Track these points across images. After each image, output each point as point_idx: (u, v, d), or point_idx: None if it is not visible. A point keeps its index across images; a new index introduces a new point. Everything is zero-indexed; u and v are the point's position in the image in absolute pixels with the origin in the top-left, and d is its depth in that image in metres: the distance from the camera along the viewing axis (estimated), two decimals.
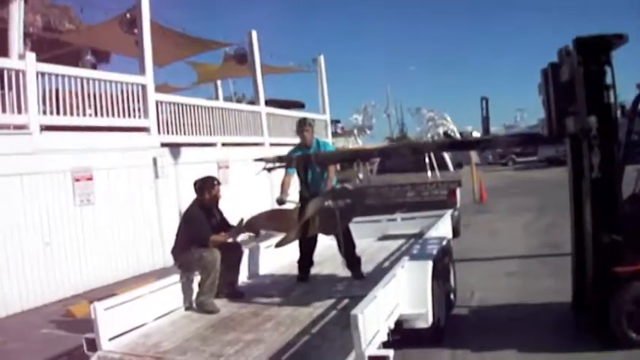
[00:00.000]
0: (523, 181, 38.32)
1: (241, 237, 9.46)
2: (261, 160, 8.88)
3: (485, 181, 30.58)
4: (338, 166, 11.41)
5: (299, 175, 9.34)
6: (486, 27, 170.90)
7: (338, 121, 43.02)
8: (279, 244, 9.25)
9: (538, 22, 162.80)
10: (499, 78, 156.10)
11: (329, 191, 9.17)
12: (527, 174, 44.41)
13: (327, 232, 9.60)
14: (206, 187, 8.73)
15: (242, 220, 8.93)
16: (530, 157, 58.77)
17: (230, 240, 8.92)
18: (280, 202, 9.50)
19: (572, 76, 7.32)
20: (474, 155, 43.01)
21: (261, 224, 9.85)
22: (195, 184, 8.82)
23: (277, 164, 8.95)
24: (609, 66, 7.31)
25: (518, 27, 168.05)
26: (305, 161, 8.82)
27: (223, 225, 9.00)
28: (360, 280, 8.95)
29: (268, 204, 17.13)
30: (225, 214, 9.17)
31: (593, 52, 7.22)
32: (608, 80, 7.31)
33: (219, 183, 8.91)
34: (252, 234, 9.60)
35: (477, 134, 64.01)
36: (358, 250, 9.54)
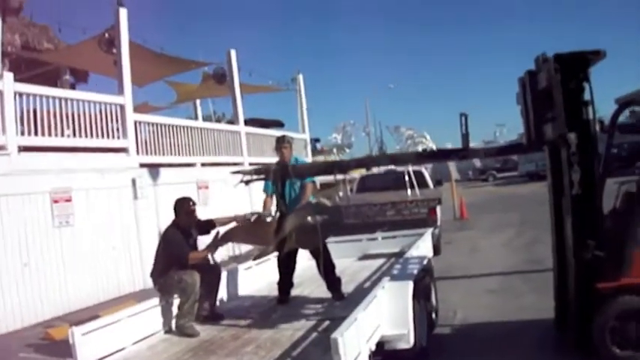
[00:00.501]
0: (504, 196, 38.44)
1: (220, 258, 9.35)
2: (238, 172, 8.79)
3: (465, 198, 30.68)
4: (317, 185, 11.27)
5: (276, 188, 9.19)
6: (465, 43, 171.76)
7: (317, 140, 43.02)
8: (256, 258, 9.20)
9: (517, 37, 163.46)
10: (478, 94, 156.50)
11: (306, 205, 9.10)
12: (508, 189, 44.60)
13: (304, 247, 9.50)
14: (182, 208, 8.65)
15: (218, 233, 8.83)
16: (510, 173, 59.09)
17: (209, 255, 8.82)
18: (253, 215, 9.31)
19: (549, 83, 7.34)
20: (453, 172, 43.14)
21: (239, 237, 9.78)
22: (174, 205, 8.76)
23: (255, 177, 8.88)
24: (587, 82, 7.37)
25: (497, 42, 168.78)
26: (282, 173, 8.71)
27: (206, 228, 8.96)
28: (341, 301, 8.86)
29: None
30: (206, 220, 9.13)
31: (571, 69, 7.25)
32: (587, 96, 7.36)
33: (194, 203, 8.81)
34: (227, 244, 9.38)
35: None
36: (338, 270, 9.46)
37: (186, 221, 8.61)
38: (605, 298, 7.46)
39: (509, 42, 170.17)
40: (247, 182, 8.91)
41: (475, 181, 61.30)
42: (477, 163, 65.36)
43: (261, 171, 8.91)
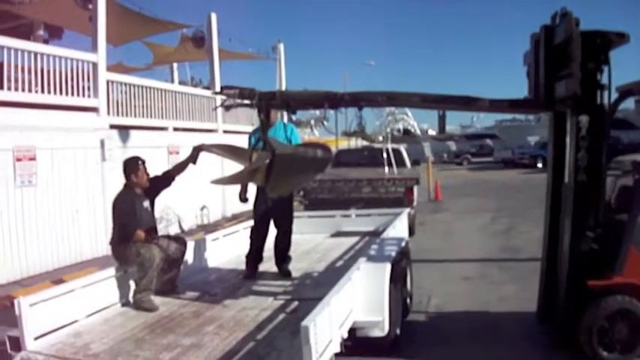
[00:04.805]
0: (478, 181, 38.15)
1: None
2: (220, 93, 7.93)
3: (440, 180, 30.35)
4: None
5: (260, 116, 8.31)
6: (448, 22, 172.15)
7: (294, 112, 42.72)
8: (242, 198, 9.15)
9: (505, 19, 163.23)
10: (457, 78, 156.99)
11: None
12: (482, 175, 44.29)
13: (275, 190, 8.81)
14: (130, 169, 8.03)
15: (201, 145, 8.53)
16: (485, 158, 59.02)
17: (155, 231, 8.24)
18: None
19: (568, 36, 6.88)
20: (428, 153, 42.70)
21: (218, 152, 9.34)
22: (123, 167, 8.15)
23: (237, 101, 8.11)
24: (607, 65, 7.02)
25: (484, 23, 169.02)
26: (269, 99, 7.67)
27: (164, 182, 8.54)
28: (310, 281, 8.43)
29: (219, 193, 16.60)
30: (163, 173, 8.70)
31: (591, 48, 6.88)
32: (604, 80, 7.04)
33: (143, 162, 8.11)
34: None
35: (432, 132, 64.69)
36: (309, 247, 9.07)
37: (136, 183, 8.01)
38: (596, 297, 7.12)
39: (496, 24, 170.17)
40: (228, 107, 8.20)
41: (449, 164, 61.06)
42: (453, 146, 65.40)
43: (246, 94, 7.98)
